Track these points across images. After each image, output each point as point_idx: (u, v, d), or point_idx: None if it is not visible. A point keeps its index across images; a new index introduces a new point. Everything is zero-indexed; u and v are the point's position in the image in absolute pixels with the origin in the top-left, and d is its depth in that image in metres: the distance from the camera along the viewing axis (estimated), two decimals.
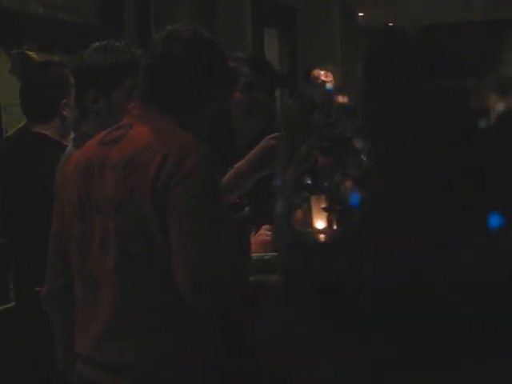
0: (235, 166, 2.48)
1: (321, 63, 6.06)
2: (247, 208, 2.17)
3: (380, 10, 10.83)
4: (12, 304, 3.08)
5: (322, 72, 5.55)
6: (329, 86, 2.47)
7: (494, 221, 1.35)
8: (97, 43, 2.52)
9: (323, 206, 2.51)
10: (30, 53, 4.16)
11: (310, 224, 2.54)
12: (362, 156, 1.76)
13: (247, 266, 2.03)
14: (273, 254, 2.60)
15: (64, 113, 3.00)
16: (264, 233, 2.69)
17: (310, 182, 2.52)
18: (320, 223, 2.58)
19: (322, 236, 1.61)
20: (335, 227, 2.37)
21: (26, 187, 2.88)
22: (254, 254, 2.56)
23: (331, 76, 5.61)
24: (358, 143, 1.76)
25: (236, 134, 2.82)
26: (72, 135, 2.94)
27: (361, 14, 11.55)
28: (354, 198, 1.59)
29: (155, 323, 1.90)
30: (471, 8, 10.85)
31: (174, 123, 1.97)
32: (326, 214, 2.55)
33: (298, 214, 2.63)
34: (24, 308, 2.91)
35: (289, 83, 7.82)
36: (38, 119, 3.02)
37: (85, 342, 1.97)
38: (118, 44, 2.46)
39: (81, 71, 2.50)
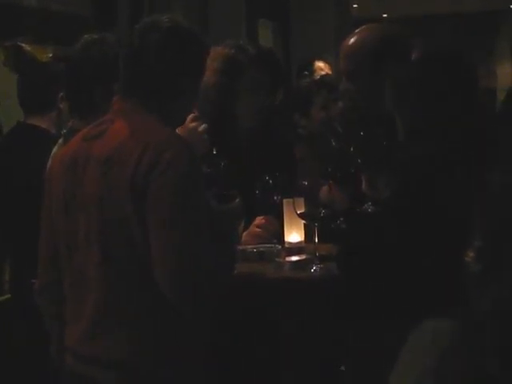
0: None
1: (315, 54, 6.05)
2: (237, 199, 2.17)
3: (374, 1, 10.82)
4: (7, 296, 3.08)
5: (325, 64, 5.54)
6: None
7: None
8: (88, 37, 2.52)
9: (300, 211, 2.47)
10: (23, 45, 4.15)
11: (281, 236, 2.51)
12: None
13: (232, 263, 2.02)
14: (265, 245, 2.62)
15: (61, 106, 3.00)
16: (257, 223, 2.69)
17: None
18: (294, 235, 2.53)
19: None
20: (316, 240, 2.36)
21: (21, 180, 2.89)
22: (247, 246, 2.57)
23: (331, 68, 5.61)
24: None
25: (237, 123, 2.81)
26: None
27: (355, 6, 11.53)
28: None
29: (141, 319, 1.90)
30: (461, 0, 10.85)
31: (154, 116, 1.96)
32: (302, 223, 2.51)
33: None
34: (20, 301, 2.92)
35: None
36: (35, 112, 3.02)
37: (73, 336, 1.98)
38: (111, 37, 2.46)
39: (87, 68, 2.49)
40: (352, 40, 2.35)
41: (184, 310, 1.89)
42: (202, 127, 2.51)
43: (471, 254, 1.28)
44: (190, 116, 2.44)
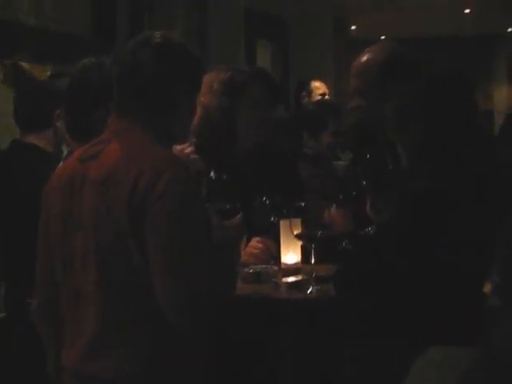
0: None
1: (314, 76, 6.09)
2: (239, 214, 2.16)
3: (372, 22, 10.87)
4: (2, 315, 3.06)
5: (321, 84, 5.58)
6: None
7: None
8: (87, 61, 2.53)
9: (297, 232, 2.47)
10: (22, 63, 4.16)
11: (277, 257, 2.51)
12: None
13: (232, 279, 2.01)
14: (262, 266, 2.61)
15: (58, 124, 3.00)
16: (254, 245, 2.69)
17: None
18: (291, 256, 2.53)
19: None
20: (313, 261, 2.36)
21: (17, 200, 2.88)
22: (244, 268, 2.56)
23: (327, 88, 5.65)
24: None
25: (237, 142, 2.82)
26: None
27: (353, 27, 11.58)
28: None
29: (140, 337, 1.89)
30: (460, 22, 10.90)
31: (150, 135, 1.95)
32: (299, 244, 2.51)
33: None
34: (15, 320, 2.90)
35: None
36: (31, 130, 3.01)
37: (71, 355, 1.97)
38: (109, 61, 2.46)
39: (86, 92, 2.50)
40: (364, 58, 2.36)
41: (182, 327, 1.89)
42: (189, 149, 2.53)
43: (489, 287, 1.28)
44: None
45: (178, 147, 2.49)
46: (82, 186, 1.94)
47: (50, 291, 2.05)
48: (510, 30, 11.82)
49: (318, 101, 5.21)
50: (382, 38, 11.95)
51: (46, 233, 2.05)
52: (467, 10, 10.64)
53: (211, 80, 2.81)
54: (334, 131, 4.09)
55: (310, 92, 5.52)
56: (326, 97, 5.49)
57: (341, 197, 2.54)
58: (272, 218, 2.60)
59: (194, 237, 1.84)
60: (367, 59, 2.33)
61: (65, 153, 2.89)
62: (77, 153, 2.06)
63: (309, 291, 2.37)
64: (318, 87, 5.54)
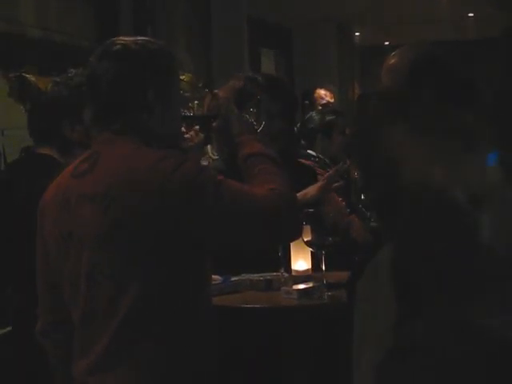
0: None
1: (318, 83, 6.08)
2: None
3: (376, 29, 10.88)
4: (9, 329, 3.05)
5: (326, 92, 5.57)
6: None
7: None
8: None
9: (307, 239, 2.45)
10: (28, 76, 4.17)
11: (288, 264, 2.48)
12: None
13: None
14: (272, 274, 2.60)
15: (67, 134, 3.00)
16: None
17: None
18: (301, 263, 2.52)
19: None
20: (323, 267, 2.34)
21: (25, 209, 2.86)
22: (254, 275, 2.55)
23: (332, 96, 5.64)
24: None
25: None
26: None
27: (357, 34, 11.60)
28: None
29: (153, 353, 1.87)
30: (463, 26, 10.91)
31: (138, 141, 1.91)
32: (309, 251, 2.49)
33: None
34: (22, 333, 2.89)
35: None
36: (42, 140, 3.02)
37: (82, 367, 1.95)
38: None
39: (54, 104, 2.51)
40: (393, 58, 2.36)
41: (279, 239, 1.97)
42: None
43: None
44: None
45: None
46: (78, 204, 1.89)
47: (55, 314, 2.03)
48: None
49: (322, 109, 5.20)
50: (386, 44, 11.97)
51: (43, 253, 2.02)
52: (470, 14, 10.65)
53: (227, 89, 2.79)
54: (342, 130, 4.14)
55: (313, 100, 5.51)
56: (323, 101, 5.49)
57: (360, 206, 2.52)
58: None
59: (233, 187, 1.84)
60: (396, 59, 2.32)
61: None
62: (67, 170, 2.01)
63: (320, 298, 2.35)
64: (322, 96, 5.53)
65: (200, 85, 5.85)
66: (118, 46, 1.95)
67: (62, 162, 2.96)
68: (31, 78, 4.12)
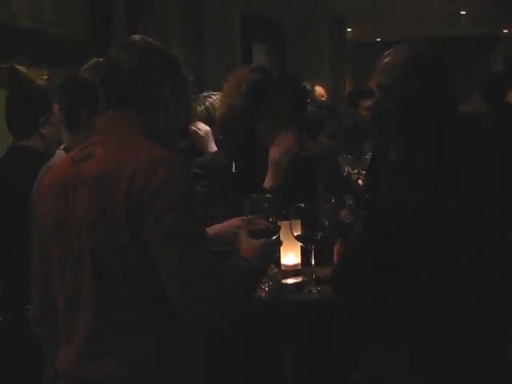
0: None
1: (309, 77, 6.09)
2: (276, 235, 2.17)
3: (368, 25, 10.90)
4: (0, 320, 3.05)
5: (318, 86, 5.58)
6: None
7: None
8: (94, 60, 2.54)
9: (296, 233, 2.45)
10: (19, 67, 4.16)
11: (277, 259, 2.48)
12: None
13: (247, 293, 1.99)
14: None
15: (43, 131, 2.99)
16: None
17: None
18: (291, 257, 2.51)
19: None
20: (313, 262, 2.35)
21: (15, 201, 2.87)
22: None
23: (324, 91, 5.65)
24: None
25: (257, 142, 2.80)
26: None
27: (349, 30, 11.61)
28: None
29: (134, 342, 1.88)
30: (456, 23, 10.93)
31: (140, 134, 1.96)
32: (299, 245, 2.49)
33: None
34: (12, 326, 2.89)
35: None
36: (20, 135, 3.02)
37: (65, 358, 1.95)
38: None
39: (76, 89, 2.52)
40: (388, 56, 2.37)
41: (200, 322, 1.90)
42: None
43: None
44: None
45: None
46: (75, 186, 1.92)
47: (48, 300, 2.04)
48: (505, 31, 11.86)
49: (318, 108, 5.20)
50: (378, 40, 11.98)
51: (39, 241, 2.03)
52: (463, 12, 10.67)
53: (241, 79, 2.78)
54: (332, 133, 4.08)
55: (313, 99, 5.51)
56: (323, 99, 5.49)
57: (350, 201, 2.53)
58: (270, 219, 2.59)
59: (193, 228, 1.85)
60: (390, 57, 2.33)
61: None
62: (67, 157, 2.04)
63: (308, 292, 2.36)
64: (322, 93, 5.53)
65: (191, 79, 5.85)
66: (141, 42, 2.03)
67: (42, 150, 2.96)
68: (22, 69, 4.11)
